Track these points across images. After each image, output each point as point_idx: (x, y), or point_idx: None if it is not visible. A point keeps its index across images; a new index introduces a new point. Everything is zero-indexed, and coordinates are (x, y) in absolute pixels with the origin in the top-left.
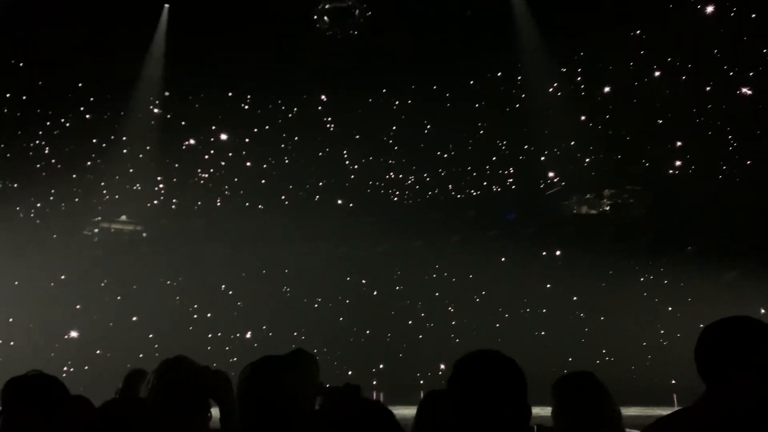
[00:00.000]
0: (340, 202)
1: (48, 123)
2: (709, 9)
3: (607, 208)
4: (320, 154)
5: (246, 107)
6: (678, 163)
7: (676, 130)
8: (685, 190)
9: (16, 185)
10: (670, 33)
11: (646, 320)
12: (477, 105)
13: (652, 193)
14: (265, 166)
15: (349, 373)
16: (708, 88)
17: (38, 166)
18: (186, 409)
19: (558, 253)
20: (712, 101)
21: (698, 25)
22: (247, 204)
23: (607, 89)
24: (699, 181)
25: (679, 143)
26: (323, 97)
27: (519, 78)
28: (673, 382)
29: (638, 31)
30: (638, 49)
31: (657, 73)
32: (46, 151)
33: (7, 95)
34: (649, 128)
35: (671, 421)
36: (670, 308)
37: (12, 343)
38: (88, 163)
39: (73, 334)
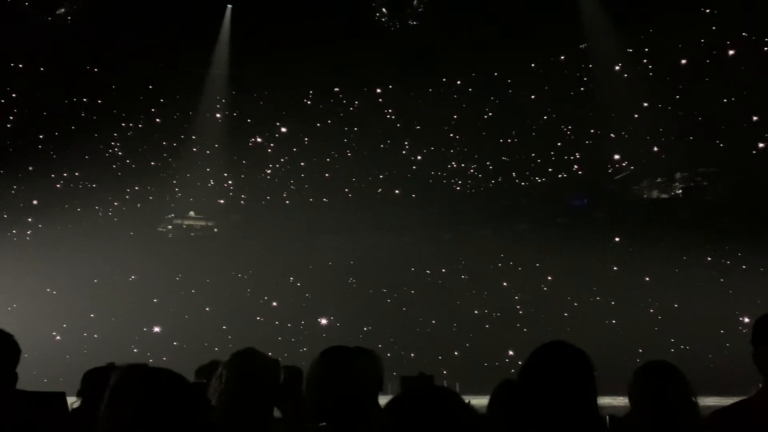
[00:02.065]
0: (397, 192)
1: (122, 125)
2: None
3: (680, 192)
4: (382, 145)
5: (308, 103)
6: (756, 143)
7: (752, 108)
8: (763, 169)
9: (95, 186)
10: (744, 6)
11: (723, 307)
12: (540, 90)
13: (728, 175)
14: (328, 159)
15: (412, 355)
16: None
17: (114, 166)
18: (258, 401)
19: (628, 239)
20: None
21: None
22: (311, 199)
23: (676, 68)
24: None
25: (755, 120)
26: (381, 89)
27: (583, 60)
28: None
29: (705, 10)
30: (710, 25)
31: (731, 51)
32: (121, 153)
33: (84, 100)
34: (724, 108)
35: (734, 410)
36: (749, 294)
37: (96, 335)
38: (159, 162)
39: (156, 329)
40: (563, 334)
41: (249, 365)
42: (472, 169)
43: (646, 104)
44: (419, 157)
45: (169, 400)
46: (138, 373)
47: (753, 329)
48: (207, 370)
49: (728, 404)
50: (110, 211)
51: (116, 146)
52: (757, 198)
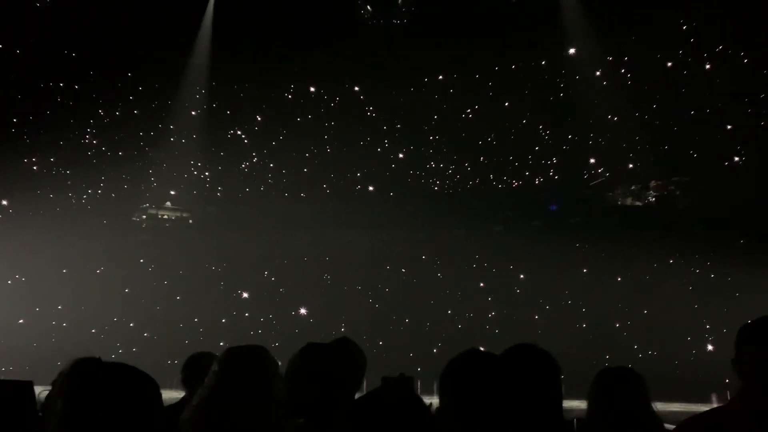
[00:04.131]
0: (375, 189)
1: (99, 112)
2: None
3: (653, 200)
4: (361, 143)
5: (289, 97)
6: (729, 154)
7: (726, 120)
8: (735, 181)
9: (68, 172)
10: (722, 20)
11: (691, 315)
12: (520, 94)
13: (700, 185)
14: (307, 154)
15: (384, 355)
16: (765, 72)
17: (89, 153)
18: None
19: (601, 244)
20: (764, 90)
21: (750, 12)
22: (286, 194)
23: (654, 78)
24: (750, 172)
25: (729, 133)
26: (362, 87)
27: (563, 65)
28: (728, 380)
29: (684, 23)
30: (688, 37)
31: (708, 66)
32: (96, 140)
33: (60, 85)
34: (699, 118)
35: (704, 419)
36: (716, 303)
37: (65, 324)
38: (136, 151)
39: (125, 318)
40: (534, 336)
41: (246, 363)
42: (450, 169)
43: (623, 112)
44: (400, 155)
45: (119, 396)
46: (86, 368)
47: (740, 330)
48: (194, 361)
49: (702, 411)
50: (84, 199)
51: (92, 133)
52: (728, 209)
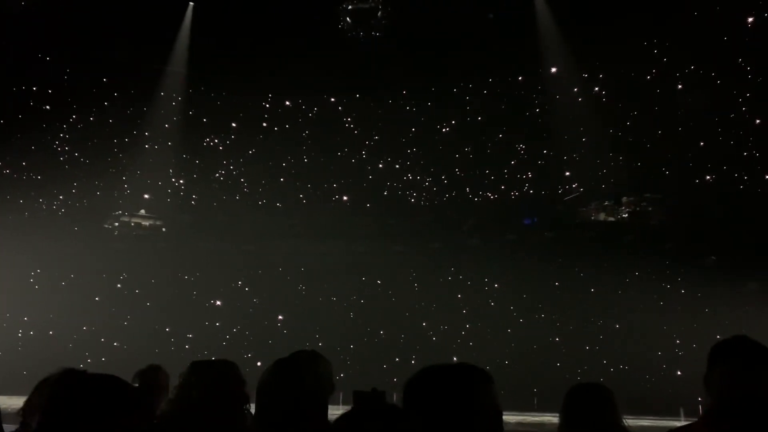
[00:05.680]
0: (352, 201)
1: (72, 117)
2: (736, 17)
3: (625, 216)
4: (339, 154)
5: (267, 106)
6: (699, 172)
7: (698, 138)
8: (706, 199)
9: (39, 177)
10: (695, 41)
11: (661, 330)
12: (497, 108)
13: (672, 202)
14: (284, 164)
15: (358, 367)
16: (735, 92)
17: (61, 159)
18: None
19: (574, 259)
20: (735, 110)
21: (724, 33)
22: (259, 203)
23: (628, 96)
24: (721, 190)
25: (700, 152)
26: (340, 98)
27: (540, 81)
28: (700, 398)
29: (657, 43)
30: (661, 57)
31: (680, 85)
32: (69, 146)
33: (33, 88)
34: (671, 136)
35: None
36: (685, 319)
37: (32, 332)
38: (109, 158)
39: (95, 328)
40: (507, 350)
41: (212, 377)
42: (426, 182)
43: (597, 129)
44: (379, 166)
45: (107, 406)
46: (76, 379)
47: (711, 349)
48: (146, 374)
49: (671, 429)
50: (55, 205)
51: (65, 138)
52: (698, 226)
